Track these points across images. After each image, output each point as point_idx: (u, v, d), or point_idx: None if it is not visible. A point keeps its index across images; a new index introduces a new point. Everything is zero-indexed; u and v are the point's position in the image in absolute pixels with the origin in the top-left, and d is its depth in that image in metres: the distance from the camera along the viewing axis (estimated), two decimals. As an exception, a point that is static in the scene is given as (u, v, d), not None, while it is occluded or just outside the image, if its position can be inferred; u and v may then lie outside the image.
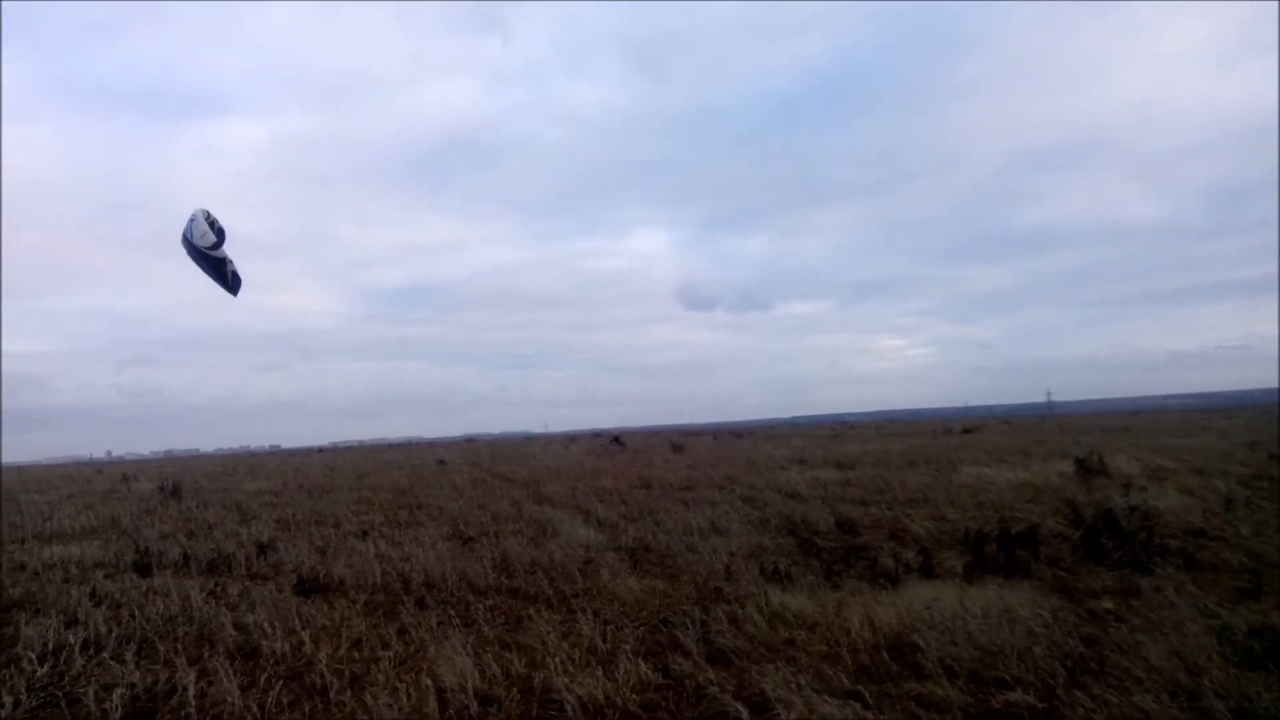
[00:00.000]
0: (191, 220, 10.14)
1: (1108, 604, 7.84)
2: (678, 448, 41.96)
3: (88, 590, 10.09)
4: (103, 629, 8.07)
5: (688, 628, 7.34)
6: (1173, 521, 11.40)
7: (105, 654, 7.36)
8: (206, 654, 7.31)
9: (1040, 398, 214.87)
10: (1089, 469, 18.06)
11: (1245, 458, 21.96)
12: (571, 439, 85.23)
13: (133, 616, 8.59)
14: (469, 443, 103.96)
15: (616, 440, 51.32)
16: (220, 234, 10.26)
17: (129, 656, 7.24)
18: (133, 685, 6.47)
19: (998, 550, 9.61)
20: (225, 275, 10.38)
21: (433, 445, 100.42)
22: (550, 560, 10.76)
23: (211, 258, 10.22)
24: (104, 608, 9.07)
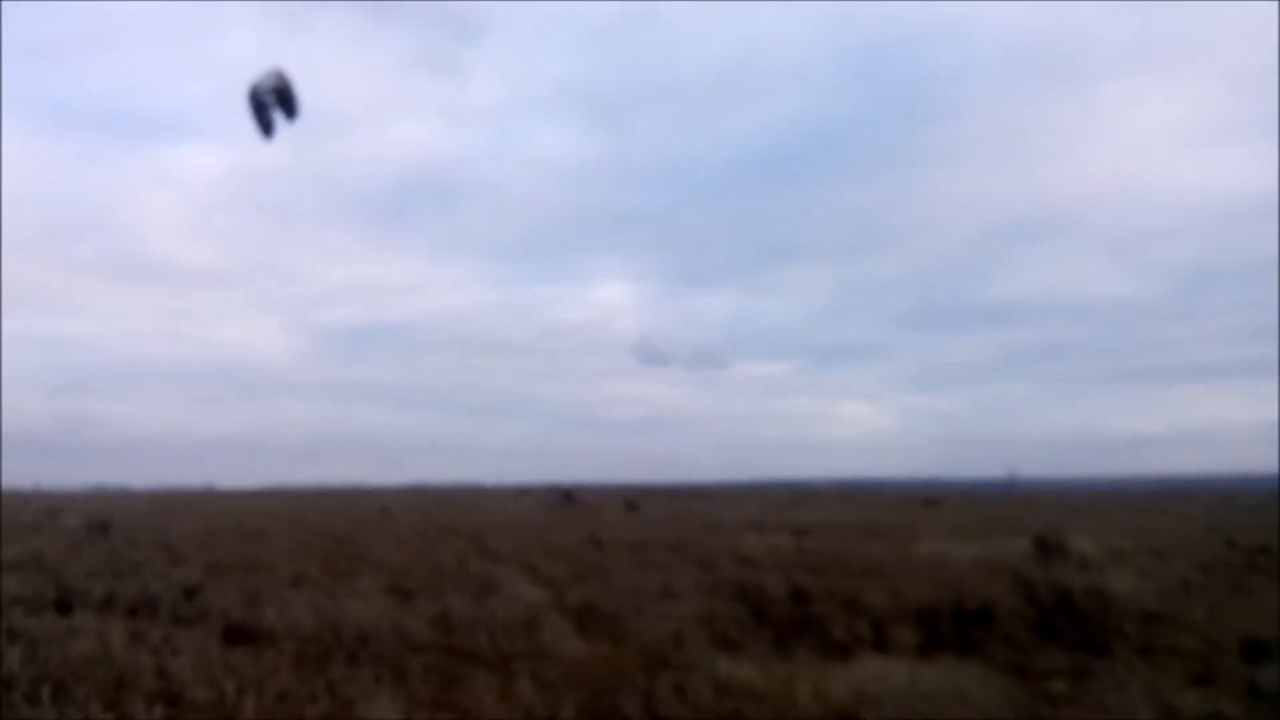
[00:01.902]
0: (266, 72, 10.60)
1: (1060, 685, 7.83)
2: (632, 506, 41.70)
3: (4, 626, 9.56)
4: (16, 668, 7.62)
5: (631, 695, 7.14)
6: (1128, 604, 11.37)
7: (17, 694, 6.98)
8: (126, 698, 6.96)
9: (1003, 472, 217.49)
10: (1048, 548, 18.08)
11: (1203, 542, 22.21)
12: (523, 492, 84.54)
13: (50, 656, 8.13)
14: (416, 491, 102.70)
15: (567, 496, 50.83)
16: (285, 99, 10.61)
17: (43, 697, 6.87)
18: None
19: (952, 627, 9.54)
20: (264, 119, 10.62)
21: (378, 492, 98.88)
22: (492, 618, 10.46)
23: (258, 100, 10.47)
24: (19, 645, 8.59)
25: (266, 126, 10.82)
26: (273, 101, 10.69)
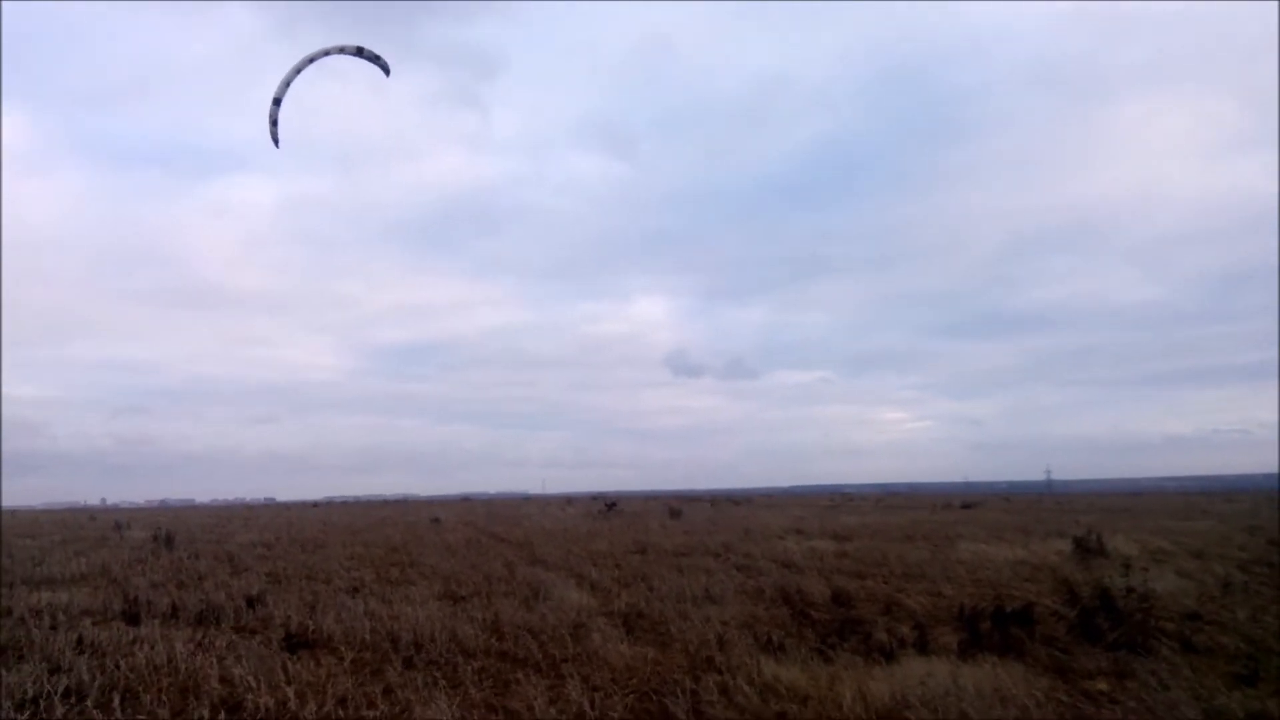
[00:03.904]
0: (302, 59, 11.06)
1: (1102, 685, 7.76)
2: (675, 513, 41.74)
3: (74, 637, 9.97)
4: (86, 677, 7.96)
5: (678, 697, 7.26)
6: (1170, 604, 11.30)
7: (88, 702, 7.27)
8: (191, 705, 7.22)
9: (1040, 475, 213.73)
10: (1087, 549, 17.91)
11: (1244, 542, 21.80)
12: (569, 500, 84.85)
13: (117, 665, 8.49)
14: (465, 501, 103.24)
15: (611, 505, 50.87)
16: (375, 59, 10.94)
17: (113, 704, 7.16)
18: (113, 736, 6.39)
19: (993, 628, 9.51)
20: (272, 129, 10.81)
21: (428, 503, 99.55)
22: (541, 623, 10.66)
23: (271, 106, 10.72)
24: (89, 655, 8.96)
25: (271, 130, 11.06)
26: (275, 115, 10.90)
